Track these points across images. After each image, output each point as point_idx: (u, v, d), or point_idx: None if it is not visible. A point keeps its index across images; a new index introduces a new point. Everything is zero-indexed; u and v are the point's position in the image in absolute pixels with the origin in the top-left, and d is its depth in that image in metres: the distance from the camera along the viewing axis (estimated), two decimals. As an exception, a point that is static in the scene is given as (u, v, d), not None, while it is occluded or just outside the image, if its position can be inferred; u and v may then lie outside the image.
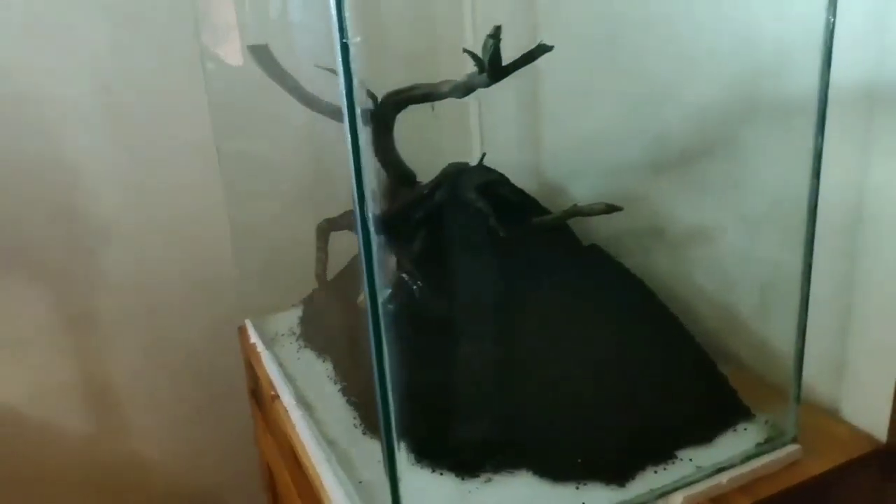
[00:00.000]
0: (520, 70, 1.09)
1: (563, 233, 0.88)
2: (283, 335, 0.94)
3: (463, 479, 0.63)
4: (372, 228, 0.46)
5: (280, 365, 0.86)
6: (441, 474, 0.64)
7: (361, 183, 0.45)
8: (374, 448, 0.69)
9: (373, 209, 0.46)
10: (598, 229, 0.95)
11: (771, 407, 0.69)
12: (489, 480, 0.63)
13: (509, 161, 1.16)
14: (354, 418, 0.73)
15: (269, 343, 0.92)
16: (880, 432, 0.68)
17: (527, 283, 0.76)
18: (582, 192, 1.03)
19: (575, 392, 0.67)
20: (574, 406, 0.67)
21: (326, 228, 0.83)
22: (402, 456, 0.66)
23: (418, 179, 0.89)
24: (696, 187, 0.82)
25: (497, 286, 0.75)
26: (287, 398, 0.79)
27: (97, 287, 1.06)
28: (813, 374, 0.74)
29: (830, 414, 0.72)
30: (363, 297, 0.92)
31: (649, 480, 0.62)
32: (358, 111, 0.44)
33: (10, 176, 0.99)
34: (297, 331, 0.95)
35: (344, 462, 0.67)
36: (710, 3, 0.75)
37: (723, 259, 0.80)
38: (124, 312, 1.08)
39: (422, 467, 0.65)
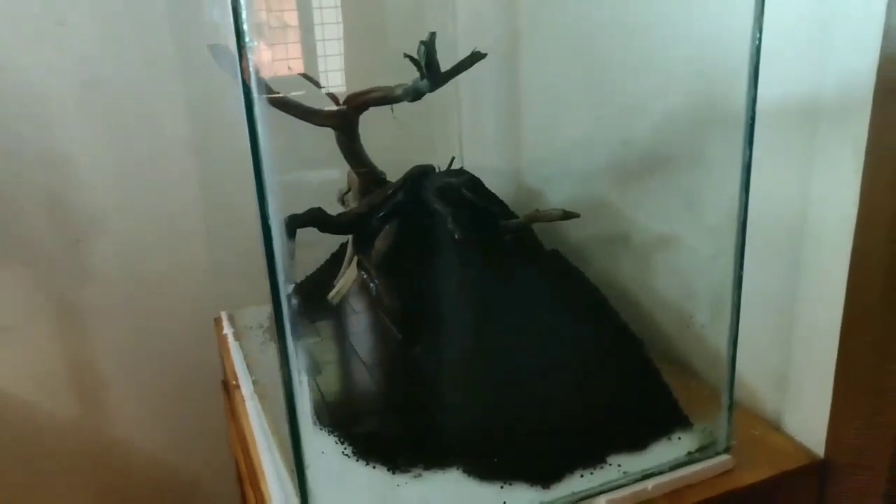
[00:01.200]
0: (504, 75, 1.11)
1: (526, 237, 0.89)
2: (252, 328, 0.97)
3: (394, 472, 0.65)
4: (274, 225, 0.48)
5: (244, 356, 0.89)
6: (374, 467, 0.66)
7: (261, 181, 0.47)
8: (318, 439, 0.71)
9: (274, 206, 0.48)
10: (569, 234, 0.96)
11: (712, 416, 0.69)
12: (419, 476, 0.64)
13: (493, 165, 1.18)
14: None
15: (239, 335, 0.95)
16: (818, 446, 0.68)
17: (477, 285, 0.77)
18: (558, 197, 1.04)
19: (511, 394, 0.69)
20: (509, 407, 0.68)
21: (289, 224, 0.85)
22: (337, 448, 0.68)
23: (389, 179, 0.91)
24: (657, 195, 0.83)
25: (448, 288, 0.77)
26: (245, 388, 0.81)
27: (84, 276, 1.10)
28: (759, 385, 0.74)
29: (774, 426, 0.72)
30: (334, 293, 0.94)
31: (574, 483, 0.63)
32: (257, 112, 0.46)
33: (3, 167, 1.03)
34: (266, 324, 0.97)
35: (286, 451, 0.69)
36: (674, 20, 0.76)
37: (680, 268, 0.81)
38: (111, 302, 1.12)
39: (357, 459, 0.67)
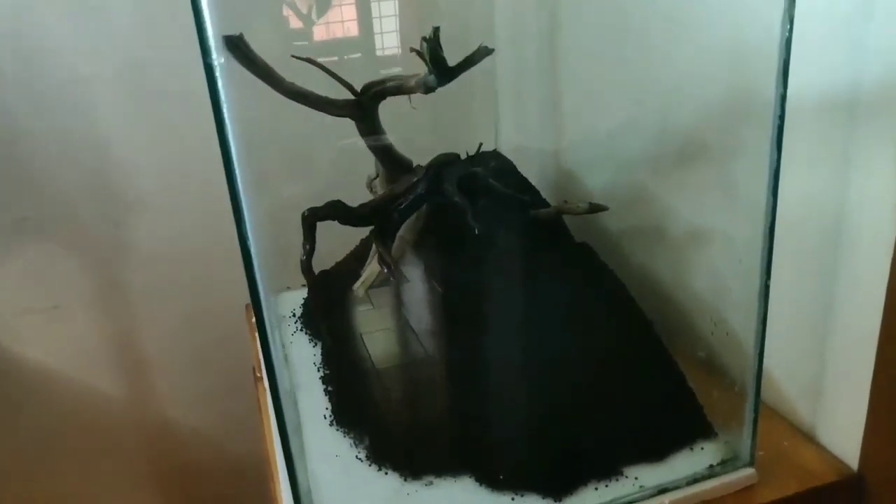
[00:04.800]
0: (542, 56, 1.06)
1: (556, 228, 0.86)
2: (284, 316, 0.97)
3: (406, 479, 0.64)
4: (249, 225, 0.47)
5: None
6: (386, 473, 0.65)
7: (234, 178, 0.45)
8: (335, 439, 0.71)
9: (247, 201, 0.46)
10: (604, 223, 0.92)
11: (739, 424, 0.66)
12: (430, 483, 0.64)
13: (531, 146, 1.14)
14: (326, 408, 0.76)
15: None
16: (852, 459, 0.64)
17: (497, 285, 0.75)
18: (596, 181, 0.99)
19: (527, 400, 0.67)
20: (524, 415, 0.66)
21: (309, 217, 0.85)
22: (351, 451, 0.68)
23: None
24: (693, 187, 0.78)
25: (466, 287, 0.75)
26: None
27: (128, 258, 1.13)
28: (792, 392, 0.70)
29: (807, 435, 0.69)
30: (359, 283, 0.94)
31: (588, 497, 0.61)
32: (229, 130, 0.44)
33: (50, 151, 1.06)
34: (299, 312, 0.98)
35: (302, 450, 0.70)
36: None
37: (712, 266, 0.76)
38: (154, 284, 1.15)
39: (370, 464, 0.66)
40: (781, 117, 0.52)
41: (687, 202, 0.78)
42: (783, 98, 0.51)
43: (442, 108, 1.03)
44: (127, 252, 1.12)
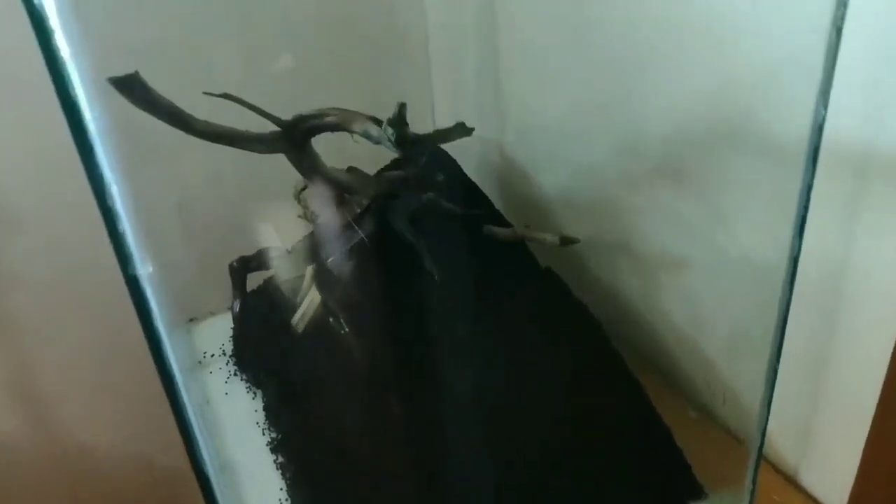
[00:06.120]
0: (482, 29, 0.94)
1: (518, 252, 0.78)
2: (214, 355, 0.87)
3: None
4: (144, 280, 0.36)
5: (204, 404, 0.79)
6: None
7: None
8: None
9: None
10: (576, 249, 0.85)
11: (731, 480, 0.63)
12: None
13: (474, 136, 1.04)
14: (281, 489, 0.68)
15: (195, 365, 0.85)
16: (839, 506, 0.63)
17: (458, 330, 0.67)
18: (550, 181, 0.91)
19: (489, 468, 0.61)
20: (486, 485, 0.60)
21: (239, 269, 0.74)
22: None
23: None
24: (673, 207, 0.71)
25: (421, 335, 0.67)
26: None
27: (9, 284, 0.96)
28: (783, 443, 0.68)
29: (790, 479, 0.67)
30: (297, 318, 0.84)
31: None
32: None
33: None
34: (230, 349, 0.87)
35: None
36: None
37: (701, 296, 0.71)
38: (45, 308, 0.99)
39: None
40: (806, 206, 0.45)
41: (667, 223, 0.71)
42: (809, 187, 0.45)
43: (372, 92, 0.92)
44: (4, 277, 0.96)
